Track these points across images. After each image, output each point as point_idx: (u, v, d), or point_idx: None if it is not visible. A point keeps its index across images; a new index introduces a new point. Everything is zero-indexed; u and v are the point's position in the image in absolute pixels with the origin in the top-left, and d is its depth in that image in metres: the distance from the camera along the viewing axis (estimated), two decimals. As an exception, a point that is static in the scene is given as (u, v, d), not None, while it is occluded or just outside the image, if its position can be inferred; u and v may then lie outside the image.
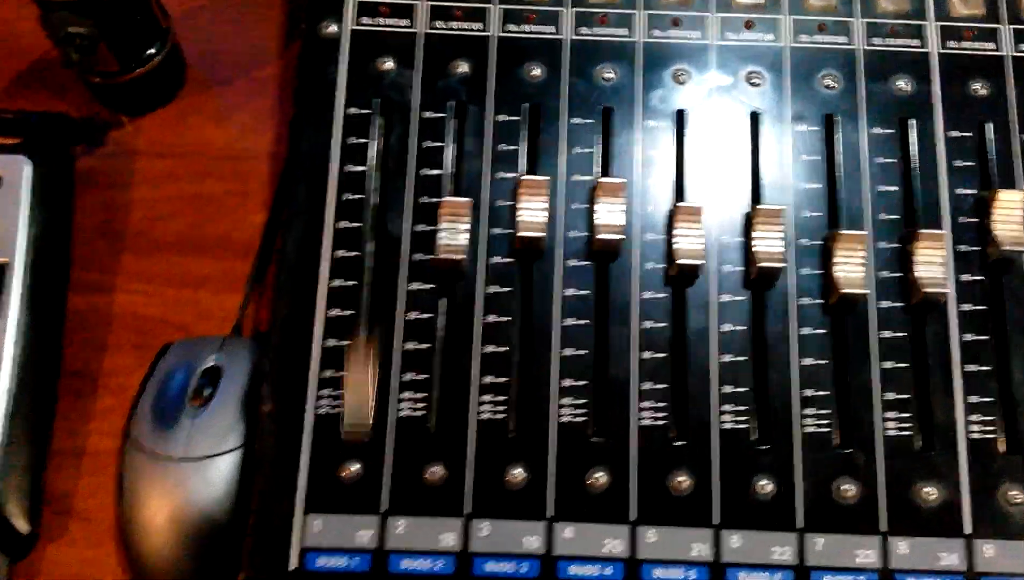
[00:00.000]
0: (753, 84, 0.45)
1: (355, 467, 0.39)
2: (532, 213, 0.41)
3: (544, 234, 0.41)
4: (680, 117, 0.44)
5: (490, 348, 0.41)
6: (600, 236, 0.41)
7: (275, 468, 0.39)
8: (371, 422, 0.40)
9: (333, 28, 0.45)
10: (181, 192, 0.50)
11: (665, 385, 0.41)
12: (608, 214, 0.42)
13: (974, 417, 0.40)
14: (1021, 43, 0.45)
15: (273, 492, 0.39)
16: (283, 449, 0.39)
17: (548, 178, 0.42)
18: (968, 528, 0.39)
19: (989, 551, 0.39)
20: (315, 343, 0.40)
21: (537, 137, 0.44)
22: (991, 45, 0.45)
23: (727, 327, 0.41)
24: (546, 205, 0.41)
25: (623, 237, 0.41)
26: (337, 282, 0.41)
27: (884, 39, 0.45)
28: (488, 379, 0.40)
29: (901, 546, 0.39)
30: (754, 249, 0.41)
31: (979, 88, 0.44)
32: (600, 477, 0.40)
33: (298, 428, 0.40)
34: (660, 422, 0.40)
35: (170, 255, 0.49)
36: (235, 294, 0.47)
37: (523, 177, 0.42)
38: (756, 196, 0.43)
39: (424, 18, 0.45)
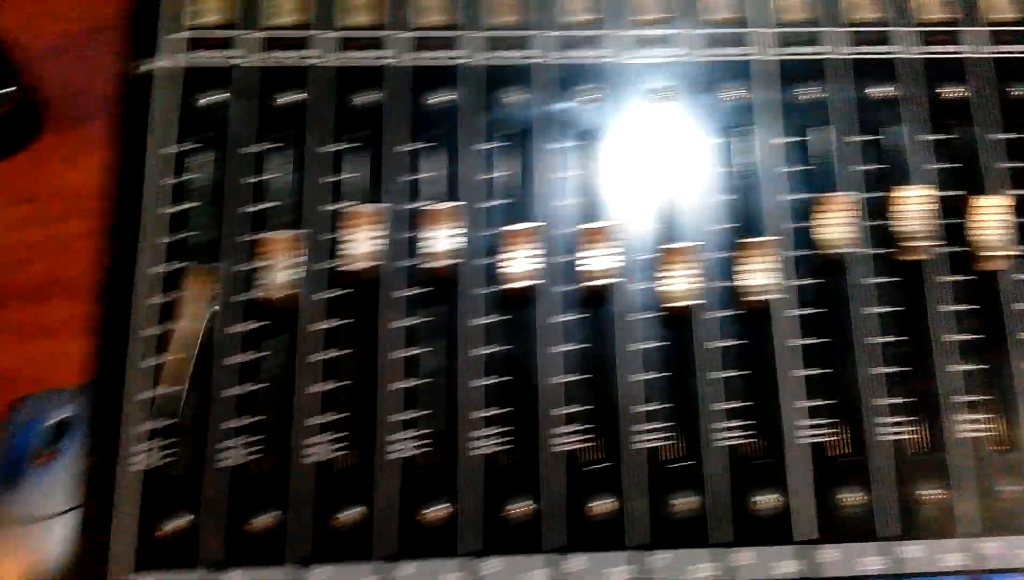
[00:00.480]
0: (586, 101, 0.44)
1: (183, 520, 0.38)
2: (360, 244, 0.40)
3: (376, 264, 0.41)
4: (523, 137, 0.44)
5: (318, 387, 0.40)
6: (432, 264, 0.41)
7: (92, 526, 0.37)
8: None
9: (150, 65, 0.44)
10: (38, 236, 0.49)
11: (505, 409, 0.40)
12: (439, 241, 0.41)
13: (806, 422, 0.40)
14: (844, 45, 0.46)
15: (92, 552, 0.37)
16: (100, 505, 0.38)
17: (384, 206, 0.42)
18: (811, 534, 0.39)
19: (831, 555, 0.39)
20: (129, 392, 0.39)
21: (373, 165, 0.43)
22: (820, 48, 0.46)
23: (561, 347, 0.41)
24: (376, 234, 0.41)
25: (460, 261, 0.41)
26: (150, 331, 0.40)
27: (712, 48, 0.46)
28: (315, 421, 0.40)
29: (743, 556, 0.39)
30: (585, 267, 0.41)
31: (806, 92, 0.45)
32: (441, 509, 0.39)
33: (117, 482, 0.38)
34: (498, 448, 0.40)
35: (22, 304, 0.47)
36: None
37: (349, 208, 0.41)
38: (591, 213, 0.43)
39: (248, 49, 0.44)
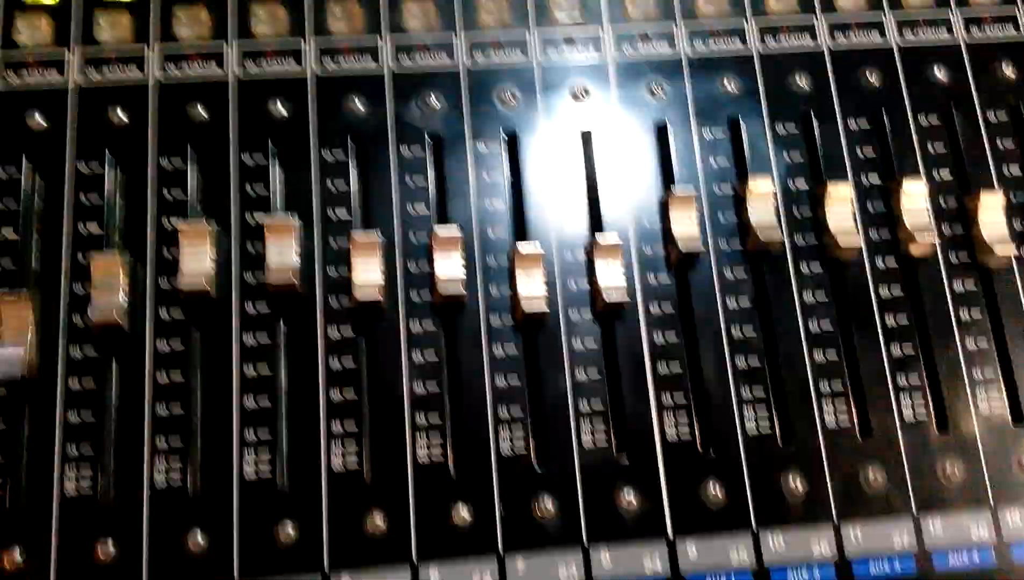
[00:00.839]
0: (425, 106, 0.44)
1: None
2: (195, 262, 0.39)
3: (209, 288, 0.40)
4: (365, 147, 0.43)
5: (163, 410, 0.39)
6: (277, 280, 0.40)
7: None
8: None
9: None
10: None
11: (355, 425, 0.39)
12: (283, 256, 0.40)
13: (668, 419, 0.40)
14: (695, 41, 0.46)
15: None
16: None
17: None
18: (670, 531, 0.39)
19: (692, 551, 0.39)
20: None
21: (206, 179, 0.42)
22: (667, 48, 0.46)
23: (418, 357, 0.40)
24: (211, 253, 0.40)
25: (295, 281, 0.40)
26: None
27: (559, 49, 0.45)
28: (161, 444, 0.38)
29: (604, 557, 0.39)
30: (437, 275, 0.40)
31: (654, 89, 0.45)
32: (290, 530, 0.38)
33: None
34: (352, 465, 0.39)
35: None
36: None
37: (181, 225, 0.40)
38: (442, 217, 0.42)
39: (73, 70, 0.42)
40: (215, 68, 0.43)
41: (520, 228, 0.43)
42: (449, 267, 0.40)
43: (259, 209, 0.41)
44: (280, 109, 0.43)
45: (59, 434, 0.38)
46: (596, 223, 0.43)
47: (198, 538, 0.37)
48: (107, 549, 0.37)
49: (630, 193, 0.43)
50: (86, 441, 0.38)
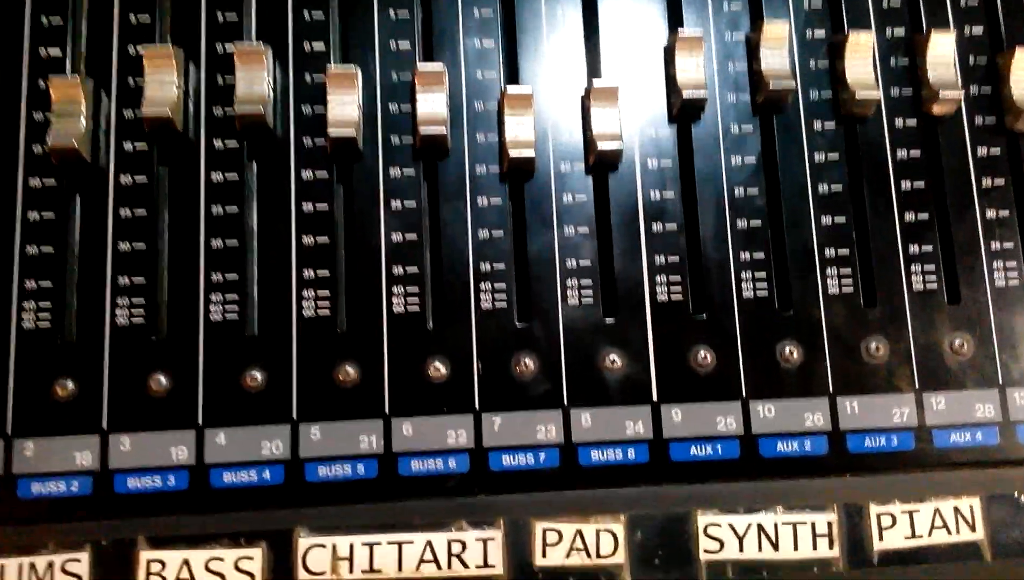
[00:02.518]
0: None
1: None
2: (160, 89, 0.36)
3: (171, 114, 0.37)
4: None
5: (126, 246, 0.37)
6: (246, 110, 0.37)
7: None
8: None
9: None
10: None
11: (327, 272, 0.37)
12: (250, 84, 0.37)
13: (660, 279, 0.38)
14: None
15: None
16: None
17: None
18: (655, 395, 0.37)
19: (677, 416, 0.37)
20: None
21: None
22: None
23: (396, 204, 0.38)
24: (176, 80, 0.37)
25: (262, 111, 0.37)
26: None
27: None
28: (123, 281, 0.36)
29: (584, 417, 0.37)
30: (419, 113, 0.37)
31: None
32: (257, 375, 0.36)
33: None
34: (324, 313, 0.37)
35: None
36: None
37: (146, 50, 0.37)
38: (427, 56, 0.39)
39: None
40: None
41: (513, 71, 0.40)
42: (432, 105, 0.37)
43: (230, 38, 0.38)
44: None
45: (17, 268, 0.36)
46: (594, 68, 0.40)
47: (161, 379, 0.36)
48: (66, 387, 0.35)
49: (633, 38, 0.40)
50: (46, 277, 0.36)
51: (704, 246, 0.38)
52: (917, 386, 0.38)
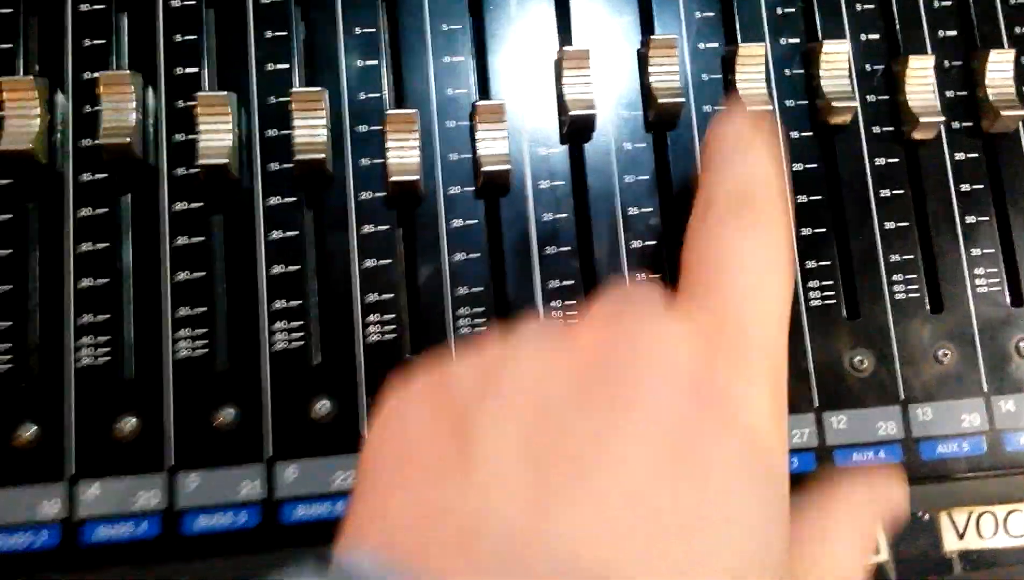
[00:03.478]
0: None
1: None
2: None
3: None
4: None
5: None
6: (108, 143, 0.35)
7: None
8: None
9: None
10: None
11: (203, 309, 0.35)
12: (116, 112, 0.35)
13: (555, 303, 0.37)
14: None
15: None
16: None
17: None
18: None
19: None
20: None
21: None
22: None
23: (276, 234, 0.36)
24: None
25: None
26: None
27: None
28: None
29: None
30: (296, 139, 0.36)
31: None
32: (129, 424, 0.34)
33: None
34: (199, 352, 0.35)
35: None
36: None
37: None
38: (310, 81, 0.38)
39: None
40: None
41: (399, 93, 0.38)
42: (311, 130, 0.35)
43: (96, 67, 0.36)
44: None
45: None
46: (483, 87, 0.38)
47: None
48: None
49: (521, 56, 0.38)
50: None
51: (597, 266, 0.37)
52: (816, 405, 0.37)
